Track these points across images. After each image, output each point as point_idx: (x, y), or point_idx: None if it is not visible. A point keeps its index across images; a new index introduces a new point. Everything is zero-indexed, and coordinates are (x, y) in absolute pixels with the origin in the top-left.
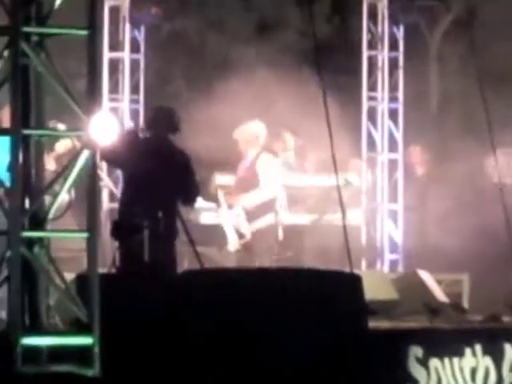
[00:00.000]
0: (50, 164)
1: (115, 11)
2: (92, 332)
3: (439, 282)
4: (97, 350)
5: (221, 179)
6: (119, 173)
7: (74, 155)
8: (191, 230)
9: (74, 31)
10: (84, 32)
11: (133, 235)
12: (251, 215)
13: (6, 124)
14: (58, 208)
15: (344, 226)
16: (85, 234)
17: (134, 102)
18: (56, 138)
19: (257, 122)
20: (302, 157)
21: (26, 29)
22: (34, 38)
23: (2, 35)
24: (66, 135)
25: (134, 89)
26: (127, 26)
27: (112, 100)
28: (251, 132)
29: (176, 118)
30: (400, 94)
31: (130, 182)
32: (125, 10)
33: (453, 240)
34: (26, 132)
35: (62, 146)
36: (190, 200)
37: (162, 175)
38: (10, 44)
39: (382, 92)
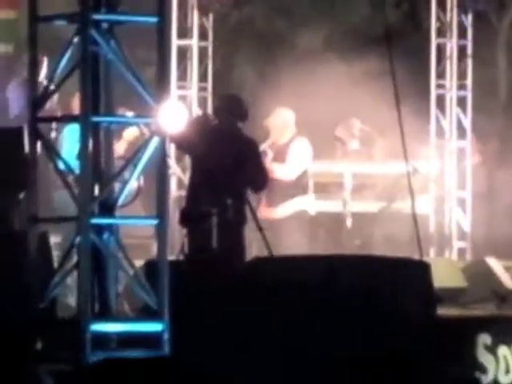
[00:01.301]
0: (119, 150)
1: None
2: (161, 319)
3: (508, 270)
4: (166, 336)
5: None
6: (188, 160)
7: (143, 142)
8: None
9: (143, 19)
10: (153, 19)
11: (201, 222)
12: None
13: (77, 111)
14: (127, 195)
15: (414, 214)
16: (154, 221)
17: (202, 89)
18: (124, 126)
19: (286, 110)
20: (370, 144)
21: (96, 16)
22: (104, 26)
23: (72, 22)
24: (135, 122)
25: (202, 76)
26: (195, 14)
27: (180, 88)
28: (283, 119)
29: (244, 105)
30: (469, 82)
31: (198, 168)
32: None
33: None
34: (96, 119)
35: (130, 133)
36: (258, 186)
37: (230, 162)
38: (80, 31)
39: (451, 80)
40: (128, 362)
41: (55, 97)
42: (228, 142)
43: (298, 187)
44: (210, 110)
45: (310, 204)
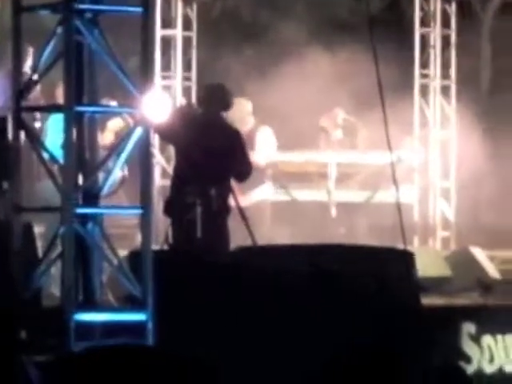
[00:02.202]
0: (104, 140)
1: None
2: (145, 308)
3: (492, 259)
4: (150, 325)
5: (273, 156)
6: (172, 150)
7: (127, 132)
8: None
9: (127, 8)
10: (137, 9)
11: (186, 212)
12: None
13: (61, 101)
14: (111, 185)
15: (398, 203)
16: (138, 210)
17: (187, 79)
18: (108, 116)
19: (243, 100)
20: (354, 134)
21: (80, 6)
22: (88, 15)
23: (56, 12)
24: (119, 111)
25: (187, 66)
26: (179, 4)
27: (164, 78)
28: (241, 109)
29: (228, 95)
30: (452, 72)
31: (182, 158)
32: None
33: (506, 217)
34: (80, 109)
35: (115, 124)
36: (243, 176)
37: (214, 151)
38: (64, 21)
39: (435, 69)
40: (111, 351)
41: (38, 86)
42: (212, 131)
43: (266, 175)
44: (194, 99)
45: (270, 192)
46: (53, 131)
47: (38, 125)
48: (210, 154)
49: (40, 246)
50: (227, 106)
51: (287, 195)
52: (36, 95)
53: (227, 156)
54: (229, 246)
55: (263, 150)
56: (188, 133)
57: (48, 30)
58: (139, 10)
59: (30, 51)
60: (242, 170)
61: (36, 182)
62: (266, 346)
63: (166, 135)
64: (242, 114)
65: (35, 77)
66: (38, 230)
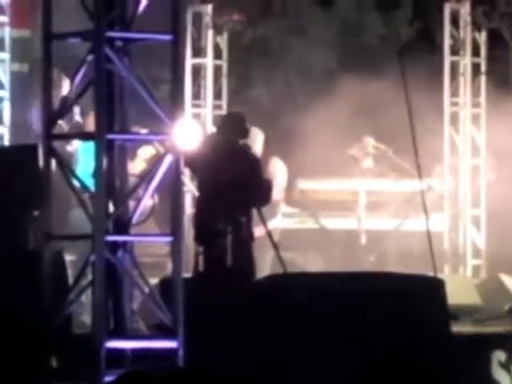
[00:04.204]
0: (134, 169)
1: (198, 17)
2: (176, 335)
3: None
4: (181, 353)
5: (304, 184)
6: None
7: (157, 160)
8: (274, 235)
9: (157, 36)
10: (167, 37)
11: (217, 240)
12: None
13: (91, 129)
14: (141, 213)
15: (428, 231)
16: (169, 238)
17: (217, 107)
18: (138, 145)
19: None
20: (384, 162)
21: (110, 34)
22: (118, 43)
23: (86, 40)
24: (149, 139)
25: (217, 95)
26: (210, 32)
27: (195, 106)
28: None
29: (245, 123)
30: (482, 100)
31: (210, 186)
32: (207, 16)
33: None
34: (110, 136)
35: (145, 152)
36: (262, 202)
37: (239, 179)
38: (94, 49)
39: (465, 97)
40: (147, 376)
41: (77, 114)
42: (235, 159)
43: (279, 207)
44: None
45: (280, 224)
46: (84, 159)
47: (70, 148)
48: (236, 182)
49: (71, 273)
50: (245, 133)
51: (316, 224)
52: (76, 123)
53: (250, 183)
54: (256, 273)
55: (279, 183)
56: (215, 161)
57: (79, 58)
58: (169, 37)
59: (67, 80)
60: (262, 196)
61: (68, 210)
62: (297, 372)
63: (193, 163)
64: (253, 143)
65: (66, 105)
66: (69, 258)
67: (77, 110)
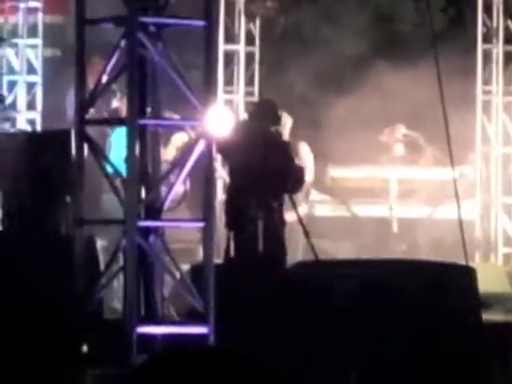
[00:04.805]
0: (167, 155)
1: (231, 4)
2: (207, 321)
3: None
4: (212, 339)
5: (335, 172)
6: None
7: (189, 146)
8: (306, 222)
9: (190, 22)
10: (200, 23)
11: (248, 226)
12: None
13: (123, 115)
14: (173, 199)
15: (459, 219)
16: (201, 224)
17: (249, 94)
18: (172, 130)
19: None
20: (415, 149)
21: (143, 19)
22: (151, 29)
23: (120, 25)
24: (181, 124)
25: (249, 81)
26: (242, 19)
27: (227, 92)
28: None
29: (276, 110)
30: None
31: (241, 172)
32: (240, 3)
33: None
34: (143, 122)
35: (178, 139)
36: (295, 188)
37: (271, 165)
38: (127, 34)
39: (497, 85)
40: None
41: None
42: (267, 145)
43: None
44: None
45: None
46: (117, 145)
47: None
48: (268, 168)
49: (102, 259)
50: (277, 120)
51: (347, 211)
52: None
53: (282, 169)
54: (286, 259)
55: (309, 167)
56: (247, 147)
57: (111, 44)
58: (202, 23)
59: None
60: (295, 182)
61: (99, 195)
62: (328, 358)
63: (227, 150)
64: (282, 127)
65: (99, 89)
66: (100, 243)
67: (117, 96)
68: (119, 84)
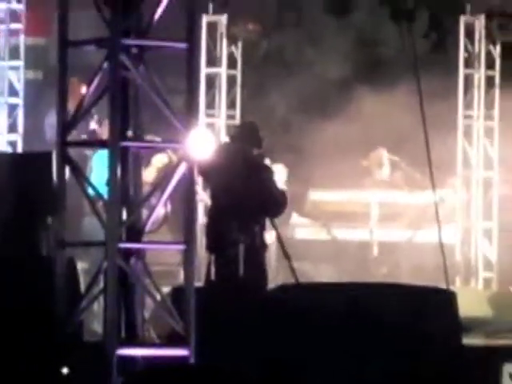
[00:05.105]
0: (148, 177)
1: (213, 27)
2: (188, 344)
3: None
4: (192, 361)
5: (316, 195)
6: None
7: (171, 168)
8: (286, 246)
9: (172, 44)
10: (182, 45)
11: (229, 249)
12: None
13: (105, 137)
14: (154, 221)
15: (440, 243)
16: (182, 246)
17: (231, 117)
18: (152, 153)
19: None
20: (397, 174)
21: (126, 41)
22: (134, 51)
23: (102, 47)
24: (163, 147)
25: (231, 105)
26: (224, 42)
27: (209, 115)
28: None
29: (259, 133)
30: (496, 113)
31: (222, 195)
32: (222, 26)
33: None
34: (125, 144)
35: (159, 160)
36: (277, 212)
37: (252, 188)
38: (110, 56)
39: (478, 110)
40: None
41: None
42: (248, 168)
43: None
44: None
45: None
46: (98, 167)
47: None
48: (249, 191)
49: (83, 281)
50: (259, 143)
51: (328, 234)
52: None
53: (264, 192)
54: (267, 283)
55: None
56: (229, 170)
57: (90, 66)
58: (184, 45)
59: (84, 88)
60: (276, 206)
61: (80, 217)
62: (306, 379)
63: (208, 173)
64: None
65: (81, 112)
66: (81, 266)
67: (94, 118)
68: (96, 106)
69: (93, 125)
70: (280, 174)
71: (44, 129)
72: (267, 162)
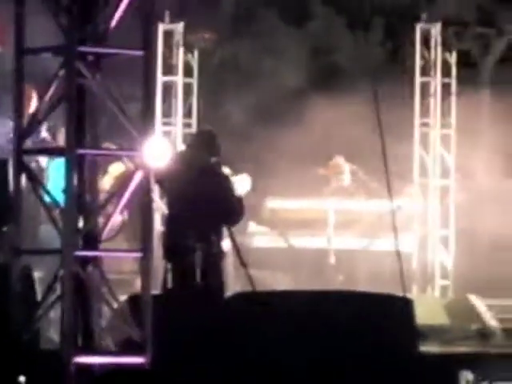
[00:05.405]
0: (105, 185)
1: (169, 35)
2: (145, 352)
3: (490, 308)
4: (149, 370)
5: (273, 203)
6: None
7: (127, 176)
8: (244, 254)
9: (128, 52)
10: (139, 53)
11: (186, 257)
12: None
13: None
14: (111, 229)
15: (397, 251)
16: (138, 254)
17: (187, 125)
18: (110, 161)
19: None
20: (353, 181)
21: (82, 48)
22: (90, 58)
23: (58, 55)
24: (120, 154)
25: (187, 113)
26: (181, 50)
27: (165, 124)
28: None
29: (216, 141)
30: (452, 120)
31: (179, 203)
32: (178, 35)
33: (504, 266)
34: (81, 151)
35: (116, 169)
36: (234, 220)
37: (208, 196)
38: (66, 63)
39: (435, 118)
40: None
41: (44, 130)
42: (205, 176)
43: None
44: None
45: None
46: (54, 175)
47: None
48: (205, 199)
49: (39, 291)
50: (217, 150)
51: (285, 242)
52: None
53: (220, 201)
54: (225, 291)
55: None
56: (185, 178)
57: (50, 73)
58: (140, 53)
59: (34, 95)
60: (233, 214)
61: (36, 226)
62: None
63: (165, 180)
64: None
65: (37, 119)
66: (37, 274)
67: (44, 126)
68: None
69: (43, 133)
70: (244, 183)
71: None
72: (226, 170)
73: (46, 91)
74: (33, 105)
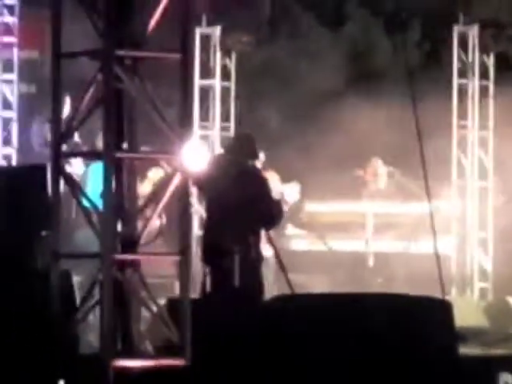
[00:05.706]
0: (143, 190)
1: (206, 39)
2: (184, 355)
3: None
4: (189, 372)
5: (311, 207)
6: None
7: (165, 180)
8: (282, 257)
9: (166, 55)
10: (176, 56)
11: (224, 260)
12: None
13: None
14: (149, 233)
15: (436, 253)
16: (177, 257)
17: (225, 129)
18: (149, 166)
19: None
20: (391, 184)
21: (119, 52)
22: (128, 62)
23: (96, 59)
24: (158, 158)
25: (225, 116)
26: (218, 54)
27: (203, 128)
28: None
29: (253, 144)
30: (490, 123)
31: (218, 207)
32: (216, 38)
33: None
34: (119, 155)
35: (155, 174)
36: (272, 223)
37: (247, 199)
38: (103, 68)
39: (473, 120)
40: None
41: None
42: (244, 180)
43: None
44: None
45: None
46: (93, 179)
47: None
48: (243, 202)
49: (78, 294)
50: (254, 154)
51: (323, 245)
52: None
53: (258, 204)
54: (264, 294)
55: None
56: (223, 181)
57: (84, 79)
58: (178, 56)
59: (67, 100)
60: (272, 217)
61: (73, 230)
62: None
63: (203, 184)
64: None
65: (74, 123)
66: (75, 279)
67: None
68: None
69: (76, 138)
70: (293, 191)
71: (31, 139)
72: (275, 176)
73: (80, 96)
74: (66, 110)
